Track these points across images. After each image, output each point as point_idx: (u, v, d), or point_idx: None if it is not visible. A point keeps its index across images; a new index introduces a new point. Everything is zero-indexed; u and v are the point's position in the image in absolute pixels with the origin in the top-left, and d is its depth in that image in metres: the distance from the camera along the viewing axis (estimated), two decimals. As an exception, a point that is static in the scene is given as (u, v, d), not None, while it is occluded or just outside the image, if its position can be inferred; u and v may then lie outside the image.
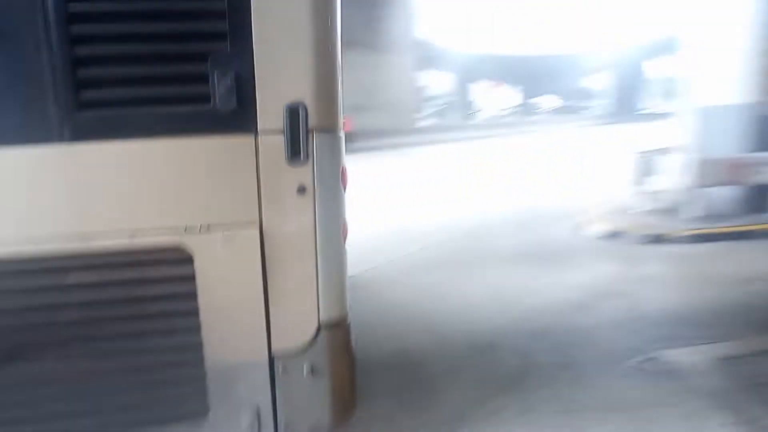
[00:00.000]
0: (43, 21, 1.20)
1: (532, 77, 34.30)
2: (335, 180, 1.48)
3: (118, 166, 1.33)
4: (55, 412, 1.41)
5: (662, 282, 3.89)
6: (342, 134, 1.50)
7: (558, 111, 35.62)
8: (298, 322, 1.50)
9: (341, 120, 1.50)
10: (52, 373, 1.37)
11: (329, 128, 1.45)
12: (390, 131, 20.80)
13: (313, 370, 1.53)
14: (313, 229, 1.45)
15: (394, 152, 17.60)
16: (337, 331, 1.56)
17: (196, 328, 1.42)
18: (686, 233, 4.90)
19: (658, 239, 4.92)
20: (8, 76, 1.24)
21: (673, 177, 5.51)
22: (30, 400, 1.38)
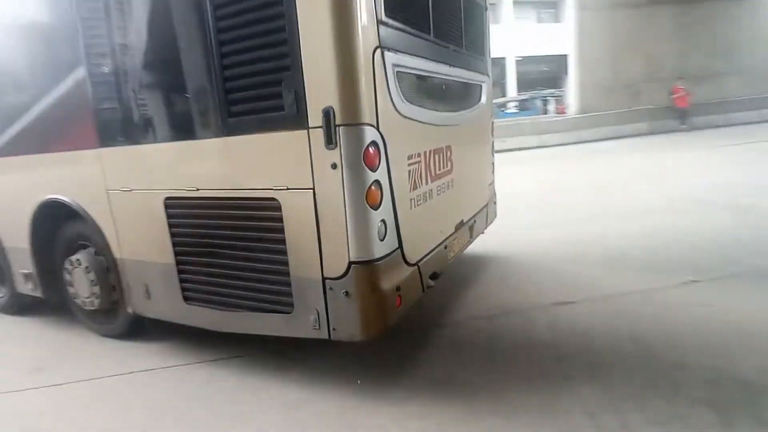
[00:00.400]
0: (210, 64, 2.29)
1: None
2: (357, 159, 2.06)
3: (245, 150, 2.34)
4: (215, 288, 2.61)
5: None
6: (364, 126, 2.07)
7: None
8: (336, 258, 2.19)
9: (365, 115, 2.07)
10: (211, 264, 2.56)
11: (352, 123, 2.04)
12: (752, 101, 17.19)
13: (347, 294, 2.19)
14: (342, 193, 2.09)
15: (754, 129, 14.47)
16: (363, 268, 2.16)
17: (284, 252, 2.30)
18: None
19: None
20: (195, 97, 2.42)
21: None
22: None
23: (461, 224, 3.44)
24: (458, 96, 3.60)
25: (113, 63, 2.69)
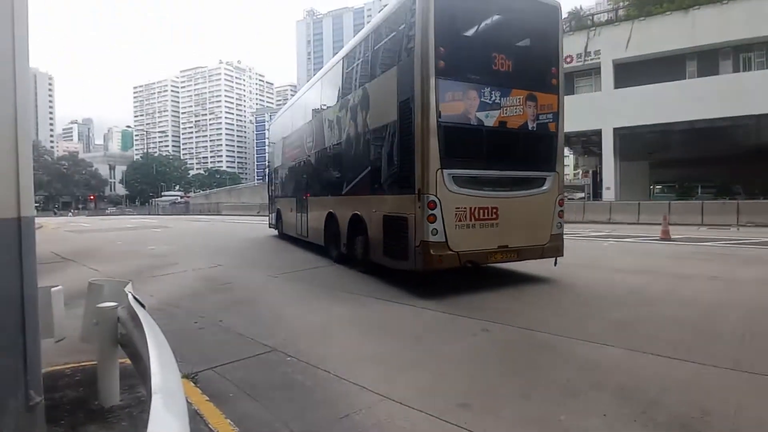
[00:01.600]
0: (392, 170, 6.75)
1: None
2: (425, 205, 5.91)
3: (397, 200, 6.79)
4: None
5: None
6: (430, 195, 6.00)
7: None
8: (418, 239, 6.07)
9: (431, 191, 5.95)
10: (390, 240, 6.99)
11: (425, 193, 5.88)
12: None
13: (419, 251, 6.03)
14: (421, 216, 5.95)
15: None
16: (424, 243, 5.88)
17: (407, 236, 6.39)
18: None
19: None
20: (383, 180, 6.91)
21: None
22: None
23: (506, 246, 6.34)
24: (513, 184, 6.57)
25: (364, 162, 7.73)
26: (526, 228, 6.55)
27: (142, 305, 2.53)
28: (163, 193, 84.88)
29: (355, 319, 4.93)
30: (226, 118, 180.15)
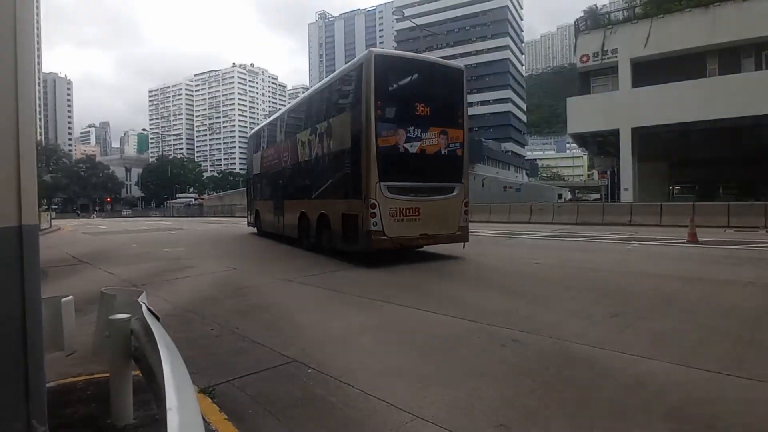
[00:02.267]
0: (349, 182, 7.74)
1: None
2: (368, 207, 8.08)
3: (353, 203, 8.96)
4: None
5: None
6: (372, 199, 8.00)
7: None
8: (366, 229, 7.38)
9: (372, 198, 7.95)
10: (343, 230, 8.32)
11: (369, 199, 8.13)
12: None
13: (367, 237, 8.29)
14: (366, 214, 8.03)
15: None
16: (368, 231, 8.09)
17: (357, 227, 8.42)
18: None
19: None
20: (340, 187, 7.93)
21: None
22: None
23: (426, 234, 8.75)
24: (430, 192, 8.98)
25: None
26: (440, 221, 9.02)
27: (157, 317, 2.35)
28: (177, 195, 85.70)
29: (376, 326, 4.72)
30: (239, 120, 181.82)
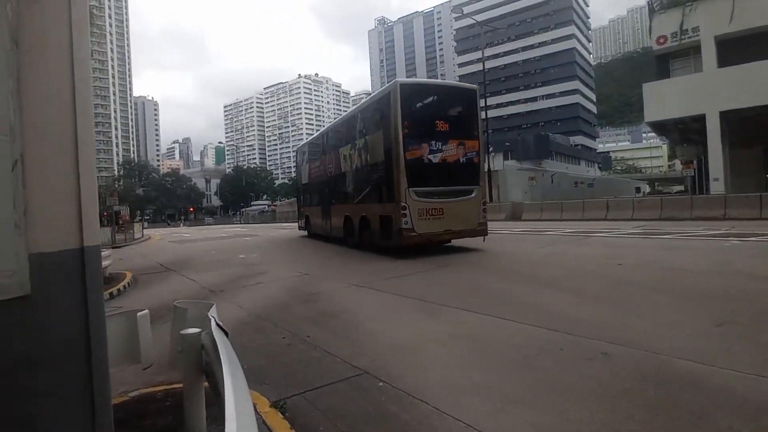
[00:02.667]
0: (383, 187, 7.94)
1: None
2: (399, 208, 9.86)
3: (388, 206, 10.64)
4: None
5: None
6: (402, 202, 9.80)
7: None
8: (399, 226, 9.30)
9: (402, 201, 9.80)
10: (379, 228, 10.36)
11: (400, 202, 9.90)
12: None
13: (399, 233, 10.01)
14: (399, 214, 9.77)
15: None
16: (400, 228, 9.89)
17: (392, 224, 10.08)
18: None
19: None
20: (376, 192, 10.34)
21: None
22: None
23: (449, 230, 10.50)
24: (452, 194, 10.56)
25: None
26: (461, 219, 10.64)
27: (225, 332, 2.33)
28: (252, 203, 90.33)
29: (447, 335, 4.49)
30: (306, 128, 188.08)
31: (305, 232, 19.87)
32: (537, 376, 3.34)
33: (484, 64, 36.69)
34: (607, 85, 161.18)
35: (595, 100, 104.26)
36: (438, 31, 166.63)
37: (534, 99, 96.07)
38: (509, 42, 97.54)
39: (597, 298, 5.57)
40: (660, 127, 30.24)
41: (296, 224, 23.22)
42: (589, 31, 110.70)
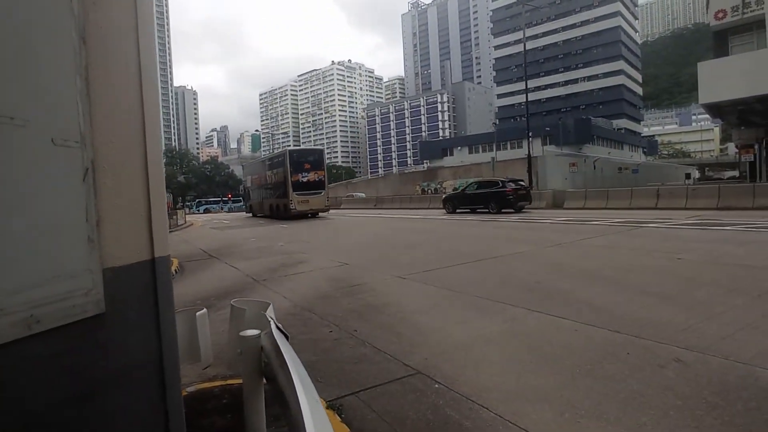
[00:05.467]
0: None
1: None
2: (290, 201, 22.94)
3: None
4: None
5: None
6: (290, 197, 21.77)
7: None
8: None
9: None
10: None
11: (290, 197, 21.69)
12: None
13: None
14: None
15: None
16: (287, 209, 25.43)
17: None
18: None
19: None
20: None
21: None
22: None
23: (311, 209, 26.19)
24: (311, 193, 25.71)
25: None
26: (316, 204, 25.56)
27: (286, 335, 2.25)
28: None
29: (502, 334, 4.31)
30: (339, 115, 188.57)
31: (251, 214, 35.50)
32: (603, 384, 3.13)
33: (525, 45, 35.50)
34: (654, 64, 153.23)
35: (640, 80, 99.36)
36: (474, 12, 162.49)
37: (575, 81, 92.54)
38: (549, 22, 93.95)
39: (661, 297, 5.23)
40: (715, 109, 28.47)
41: (333, 211, 32.18)
42: (636, 8, 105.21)
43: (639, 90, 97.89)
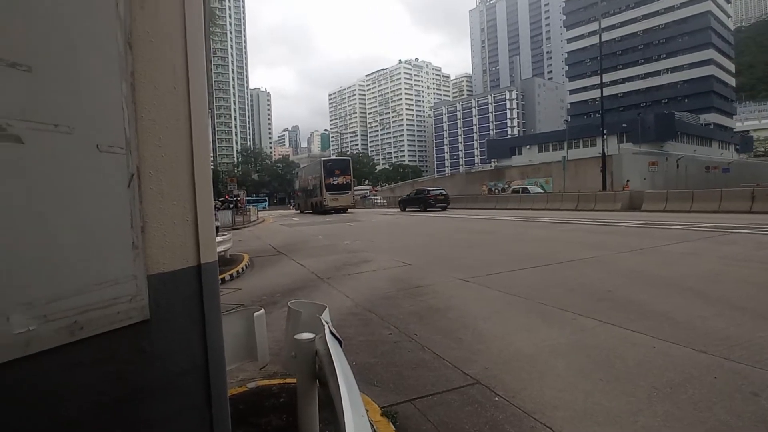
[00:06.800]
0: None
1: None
2: (323, 197, 34.41)
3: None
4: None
5: None
6: (323, 196, 31.48)
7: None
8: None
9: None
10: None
11: (323, 196, 33.64)
12: None
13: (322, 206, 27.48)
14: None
15: None
16: (321, 205, 35.44)
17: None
18: None
19: None
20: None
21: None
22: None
23: (341, 206, 36.46)
24: (339, 193, 35.91)
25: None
26: (344, 202, 34.87)
27: (340, 341, 2.21)
28: (355, 188, 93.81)
29: (568, 346, 4.02)
30: (406, 114, 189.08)
31: (402, 212, 33.90)
32: (684, 411, 2.79)
33: (600, 36, 33.55)
34: (749, 52, 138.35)
35: (733, 71, 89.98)
36: (545, 5, 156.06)
37: (656, 73, 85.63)
38: (627, 11, 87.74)
39: (756, 313, 4.63)
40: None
41: (397, 209, 36.30)
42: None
43: (731, 81, 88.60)
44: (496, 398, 3.07)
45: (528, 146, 71.99)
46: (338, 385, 1.70)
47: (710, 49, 79.73)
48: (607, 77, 76.91)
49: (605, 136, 32.74)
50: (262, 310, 2.60)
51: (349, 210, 35.47)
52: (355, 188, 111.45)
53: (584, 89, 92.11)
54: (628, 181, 34.60)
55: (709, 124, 74.97)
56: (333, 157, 44.93)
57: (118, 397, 1.12)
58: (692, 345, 3.78)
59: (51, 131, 0.99)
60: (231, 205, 26.58)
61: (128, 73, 1.17)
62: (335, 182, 33.72)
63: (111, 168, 1.13)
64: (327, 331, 2.28)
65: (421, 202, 31.58)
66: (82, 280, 1.06)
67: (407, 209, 33.12)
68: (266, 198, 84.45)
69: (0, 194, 0.93)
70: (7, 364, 0.92)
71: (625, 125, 58.63)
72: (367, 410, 2.34)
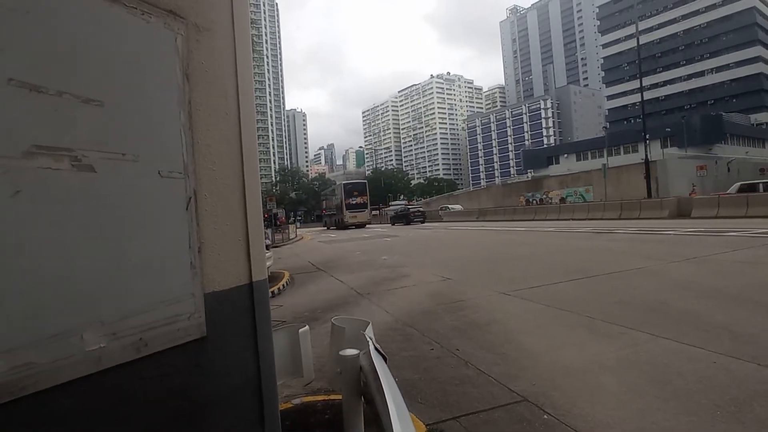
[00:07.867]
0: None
1: None
2: (345, 215, 42.24)
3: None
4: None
5: None
6: (344, 214, 38.27)
7: None
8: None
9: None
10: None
11: (343, 213, 43.28)
12: None
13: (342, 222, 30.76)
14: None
15: None
16: (341, 220, 44.99)
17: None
18: None
19: None
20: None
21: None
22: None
23: (360, 221, 44.61)
24: (357, 211, 44.83)
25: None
26: (361, 219, 43.47)
27: (384, 357, 2.21)
28: (390, 203, 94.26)
29: (619, 361, 3.85)
30: (440, 128, 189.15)
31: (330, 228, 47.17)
32: (752, 431, 2.61)
33: (638, 39, 32.62)
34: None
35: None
36: (578, 11, 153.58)
37: (700, 74, 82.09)
38: (665, 12, 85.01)
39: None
40: None
41: (433, 224, 38.66)
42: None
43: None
44: (545, 416, 2.98)
45: (566, 155, 70.29)
46: (386, 401, 1.70)
47: (757, 45, 75.83)
48: (647, 80, 74.50)
49: (648, 141, 31.56)
50: (307, 327, 2.64)
51: (366, 225, 43.54)
52: (391, 203, 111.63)
53: (623, 94, 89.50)
54: (694, 186, 33.15)
55: (761, 124, 71.03)
56: (352, 180, 53.41)
57: (180, 413, 1.17)
58: (757, 360, 3.55)
59: (119, 160, 1.08)
60: (271, 224, 27.23)
61: (186, 102, 1.25)
62: (354, 202, 42.19)
63: (171, 192, 1.21)
64: (371, 347, 2.29)
65: (404, 217, 43.09)
66: (147, 299, 1.13)
67: (396, 224, 42.90)
68: (301, 216, 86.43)
69: (75, 219, 1.01)
70: (82, 379, 0.99)
71: (669, 129, 56.36)
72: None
